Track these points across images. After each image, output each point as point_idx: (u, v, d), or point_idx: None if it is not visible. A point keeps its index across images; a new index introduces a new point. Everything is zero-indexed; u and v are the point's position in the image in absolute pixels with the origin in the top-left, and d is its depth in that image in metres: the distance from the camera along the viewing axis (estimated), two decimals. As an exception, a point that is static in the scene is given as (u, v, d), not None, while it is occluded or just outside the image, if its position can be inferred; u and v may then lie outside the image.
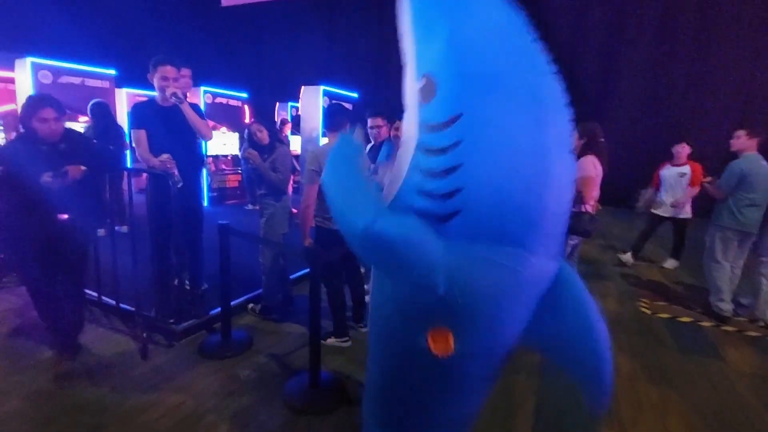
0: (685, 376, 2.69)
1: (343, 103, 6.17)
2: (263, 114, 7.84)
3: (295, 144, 7.09)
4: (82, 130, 4.65)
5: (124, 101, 7.58)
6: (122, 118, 7.13)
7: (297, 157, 6.85)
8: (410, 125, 1.13)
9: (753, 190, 3.35)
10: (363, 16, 11.36)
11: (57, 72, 5.28)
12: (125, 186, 5.51)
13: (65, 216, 2.36)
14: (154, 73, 2.72)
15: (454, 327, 1.07)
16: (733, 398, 2.47)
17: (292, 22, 11.65)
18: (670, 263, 5.02)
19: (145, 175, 2.93)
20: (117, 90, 7.13)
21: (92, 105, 4.82)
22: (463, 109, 0.99)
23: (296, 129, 7.22)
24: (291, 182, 7.36)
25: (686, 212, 4.69)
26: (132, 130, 2.82)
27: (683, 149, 4.68)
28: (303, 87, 5.84)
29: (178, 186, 2.70)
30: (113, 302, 2.97)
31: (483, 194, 0.99)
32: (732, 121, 7.68)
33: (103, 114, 4.86)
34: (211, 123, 4.33)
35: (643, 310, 3.73)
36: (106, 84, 5.85)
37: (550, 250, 1.07)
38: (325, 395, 2.23)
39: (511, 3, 1.02)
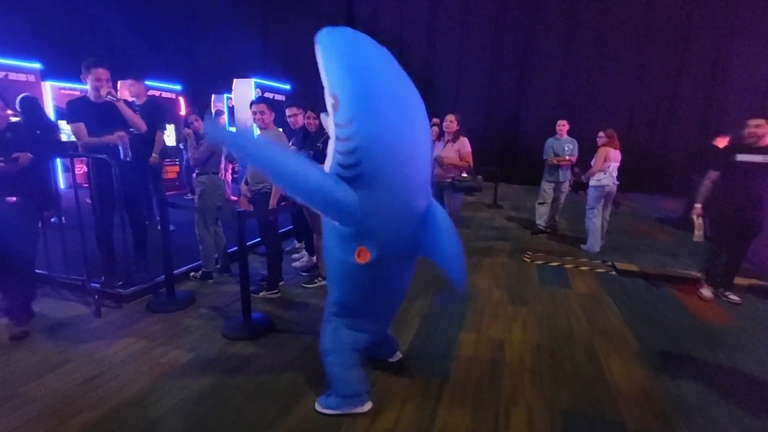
0: (538, 298, 3.57)
1: (274, 95, 6.62)
2: (200, 106, 8.05)
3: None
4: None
5: (49, 95, 7.48)
6: (49, 112, 7.09)
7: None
8: (330, 125, 1.81)
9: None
10: (297, 8, 11.64)
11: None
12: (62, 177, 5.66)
13: (13, 199, 2.72)
14: (87, 75, 3.07)
15: (368, 244, 1.80)
16: (564, 309, 3.36)
17: (225, 13, 11.67)
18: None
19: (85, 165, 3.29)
20: (42, 83, 7.06)
21: (21, 99, 4.90)
22: (354, 115, 1.66)
23: (233, 120, 7.55)
24: (230, 170, 7.70)
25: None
26: (71, 124, 3.15)
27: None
28: (235, 80, 6.21)
29: (128, 158, 3.15)
30: (63, 276, 3.33)
31: (373, 165, 1.67)
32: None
33: (33, 108, 4.97)
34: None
35: (525, 260, 4.64)
36: (31, 78, 5.89)
37: (421, 193, 1.84)
38: (255, 327, 2.82)
39: (379, 45, 1.71)
